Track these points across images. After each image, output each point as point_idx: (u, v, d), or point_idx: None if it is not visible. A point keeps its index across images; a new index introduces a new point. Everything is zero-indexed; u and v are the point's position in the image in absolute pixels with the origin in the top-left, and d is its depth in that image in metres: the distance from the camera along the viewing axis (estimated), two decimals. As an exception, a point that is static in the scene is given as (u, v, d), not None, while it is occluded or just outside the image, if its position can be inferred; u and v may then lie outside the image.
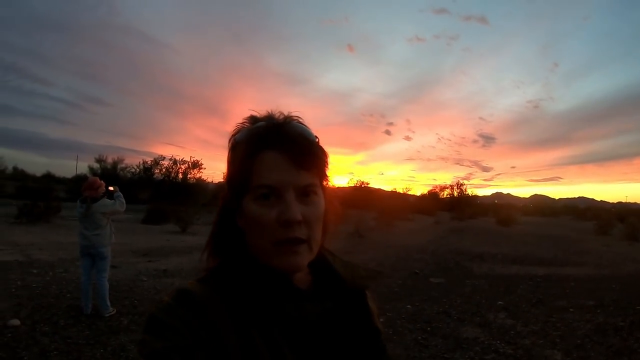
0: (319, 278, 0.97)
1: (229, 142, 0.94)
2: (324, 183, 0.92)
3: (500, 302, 8.27)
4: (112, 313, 6.61)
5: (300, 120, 0.92)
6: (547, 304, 8.22)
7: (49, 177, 56.30)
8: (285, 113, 0.93)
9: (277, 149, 0.84)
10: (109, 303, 6.67)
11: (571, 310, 7.77)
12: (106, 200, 6.92)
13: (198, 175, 48.94)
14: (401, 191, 68.24)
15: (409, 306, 7.93)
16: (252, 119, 0.93)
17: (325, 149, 0.93)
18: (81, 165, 52.01)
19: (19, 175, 39.65)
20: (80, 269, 6.94)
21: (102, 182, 6.98)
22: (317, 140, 0.92)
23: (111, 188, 7.25)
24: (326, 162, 0.92)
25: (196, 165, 48.64)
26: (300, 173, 0.84)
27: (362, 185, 60.31)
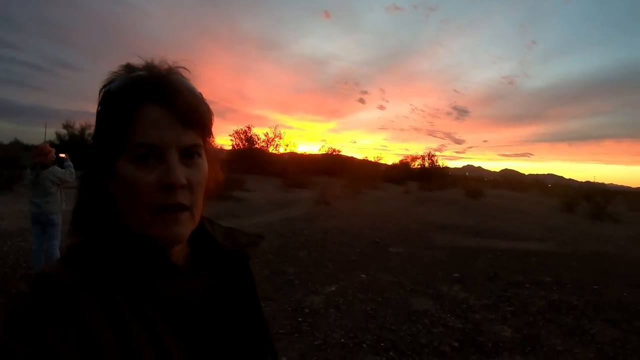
0: (198, 250, 0.91)
1: (100, 92, 0.81)
2: (208, 144, 0.86)
3: (456, 275, 8.19)
4: None
5: (188, 71, 0.85)
6: (504, 278, 8.18)
7: (17, 145, 54.76)
8: (169, 62, 0.83)
9: (160, 102, 0.76)
10: None
11: (527, 285, 7.74)
12: (56, 168, 6.67)
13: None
14: (373, 160, 68.35)
15: (363, 275, 7.80)
16: (129, 68, 0.81)
17: (209, 107, 0.86)
18: (50, 132, 50.72)
19: None
20: (33, 237, 6.79)
21: (52, 148, 6.74)
22: (201, 96, 0.85)
23: (62, 155, 7.04)
24: (212, 120, 0.86)
25: None
26: (185, 132, 0.78)
27: (333, 153, 60.27)
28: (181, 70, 0.84)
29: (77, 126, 48.33)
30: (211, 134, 0.87)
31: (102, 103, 0.80)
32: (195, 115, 0.79)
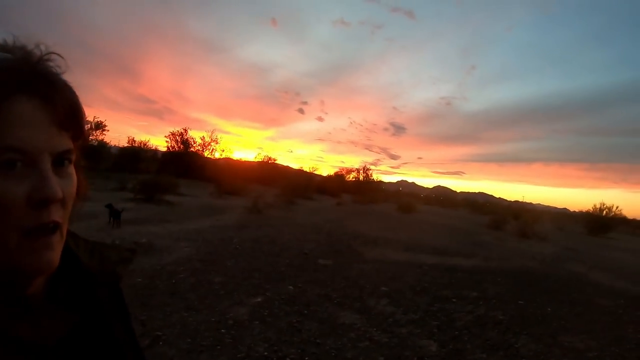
0: (59, 275, 0.73)
1: None
2: (77, 149, 0.71)
3: (384, 288, 8.14)
4: None
5: (64, 60, 0.69)
6: (431, 293, 8.19)
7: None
8: (42, 48, 0.67)
9: (34, 96, 0.61)
10: None
11: (454, 300, 7.78)
12: None
13: (100, 138, 46.76)
14: (308, 170, 68.49)
15: (290, 287, 7.61)
16: None
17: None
18: None
19: None
20: None
21: None
22: None
23: None
24: (85, 121, 0.73)
25: (99, 126, 46.36)
26: (61, 134, 0.65)
27: (269, 161, 60.04)
28: (57, 58, 0.68)
29: None
30: (83, 136, 0.73)
31: None
32: (74, 114, 0.67)
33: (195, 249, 9.84)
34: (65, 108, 0.65)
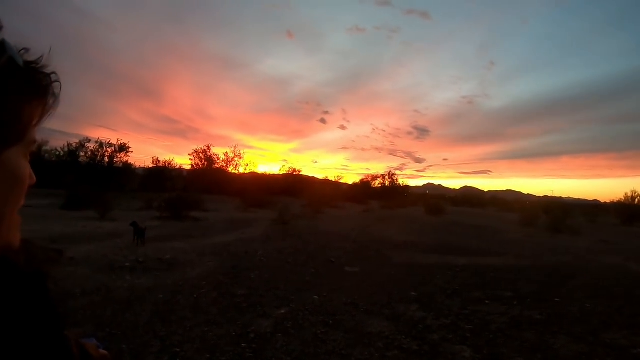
0: None
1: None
2: None
3: (413, 293, 7.82)
4: None
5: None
6: (463, 295, 7.84)
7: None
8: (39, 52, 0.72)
9: (43, 98, 0.71)
10: None
11: (487, 302, 7.41)
12: None
13: (125, 159, 47.49)
14: (333, 179, 68.45)
15: (316, 297, 7.35)
16: (24, 49, 0.70)
17: None
18: None
19: None
20: None
21: None
22: None
23: None
24: None
25: (123, 148, 47.22)
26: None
27: (294, 173, 60.19)
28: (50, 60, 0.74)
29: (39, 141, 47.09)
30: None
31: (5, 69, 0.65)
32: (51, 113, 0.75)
33: (219, 263, 9.66)
34: (53, 109, 0.73)
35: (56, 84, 0.73)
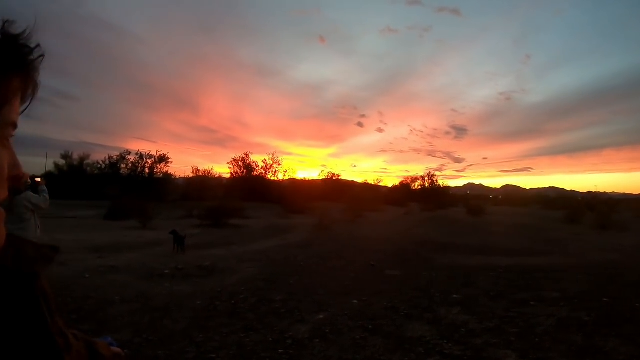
0: None
1: None
2: None
3: (455, 296, 7.60)
4: None
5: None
6: (508, 297, 7.58)
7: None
8: (23, 27, 0.65)
9: (24, 75, 0.65)
10: None
11: (532, 303, 7.12)
12: (29, 194, 6.43)
13: (165, 170, 48.40)
14: (373, 183, 68.17)
15: (355, 301, 7.21)
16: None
17: None
18: (51, 162, 51.64)
19: None
20: None
21: (25, 173, 6.25)
22: None
23: (38, 179, 6.81)
24: None
25: (163, 159, 48.23)
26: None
27: (333, 178, 60.19)
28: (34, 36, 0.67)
29: (76, 156, 48.68)
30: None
31: None
32: (35, 92, 0.69)
33: (258, 269, 9.64)
34: (35, 88, 0.67)
35: (40, 58, 0.67)
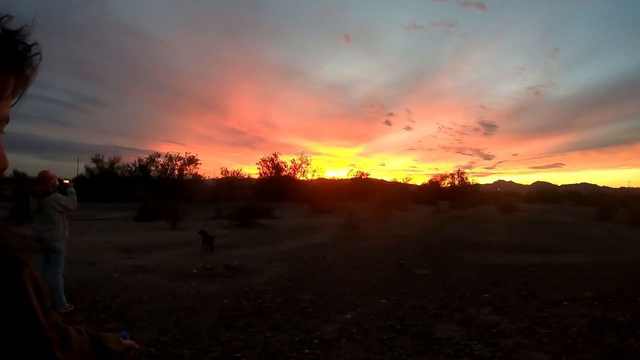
0: None
1: None
2: None
3: (486, 295, 7.45)
4: (68, 309, 6.35)
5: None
6: (539, 296, 7.39)
7: (50, 179, 56.39)
8: (19, 22, 0.64)
9: (17, 71, 0.64)
10: (64, 299, 6.39)
11: (565, 303, 6.93)
12: (57, 195, 6.50)
13: (194, 172, 48.84)
14: (402, 181, 67.66)
15: (384, 301, 7.13)
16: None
17: None
18: (82, 166, 52.77)
19: (20, 178, 40.19)
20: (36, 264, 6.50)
21: (53, 175, 6.60)
22: None
23: (66, 181, 6.93)
24: None
25: (192, 161, 48.64)
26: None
27: (362, 177, 59.92)
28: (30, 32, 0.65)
29: (106, 160, 49.63)
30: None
31: None
32: (27, 87, 0.67)
33: (286, 268, 9.63)
34: (28, 83, 0.65)
35: (36, 55, 0.65)
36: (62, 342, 0.81)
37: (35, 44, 0.65)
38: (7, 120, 0.64)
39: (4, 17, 0.62)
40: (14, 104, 0.68)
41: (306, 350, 4.98)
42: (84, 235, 15.59)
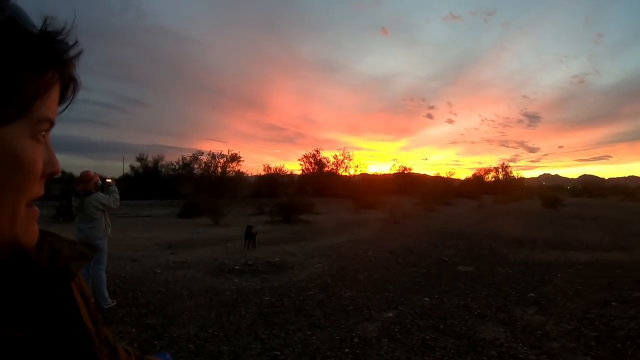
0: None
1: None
2: None
3: (531, 295, 7.20)
4: (111, 305, 6.46)
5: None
6: (587, 296, 7.09)
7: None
8: (62, 23, 0.60)
9: (59, 70, 0.60)
10: (107, 295, 6.51)
11: (614, 304, 6.61)
12: (99, 194, 6.62)
13: (237, 169, 49.51)
14: (445, 176, 66.78)
15: (426, 299, 6.99)
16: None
17: None
18: (127, 165, 54.42)
19: (67, 178, 41.69)
20: None
21: (94, 175, 6.74)
22: None
23: (109, 180, 7.06)
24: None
25: (234, 158, 49.38)
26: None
27: (405, 172, 59.46)
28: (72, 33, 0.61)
29: (150, 159, 50.96)
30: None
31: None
32: (76, 91, 0.65)
33: (327, 264, 9.58)
34: (75, 87, 0.64)
35: (78, 55, 0.62)
36: (111, 357, 0.79)
37: (76, 42, 0.62)
38: (51, 122, 0.61)
39: (46, 18, 0.59)
40: (66, 108, 0.66)
41: (346, 350, 4.91)
42: (129, 232, 15.99)
